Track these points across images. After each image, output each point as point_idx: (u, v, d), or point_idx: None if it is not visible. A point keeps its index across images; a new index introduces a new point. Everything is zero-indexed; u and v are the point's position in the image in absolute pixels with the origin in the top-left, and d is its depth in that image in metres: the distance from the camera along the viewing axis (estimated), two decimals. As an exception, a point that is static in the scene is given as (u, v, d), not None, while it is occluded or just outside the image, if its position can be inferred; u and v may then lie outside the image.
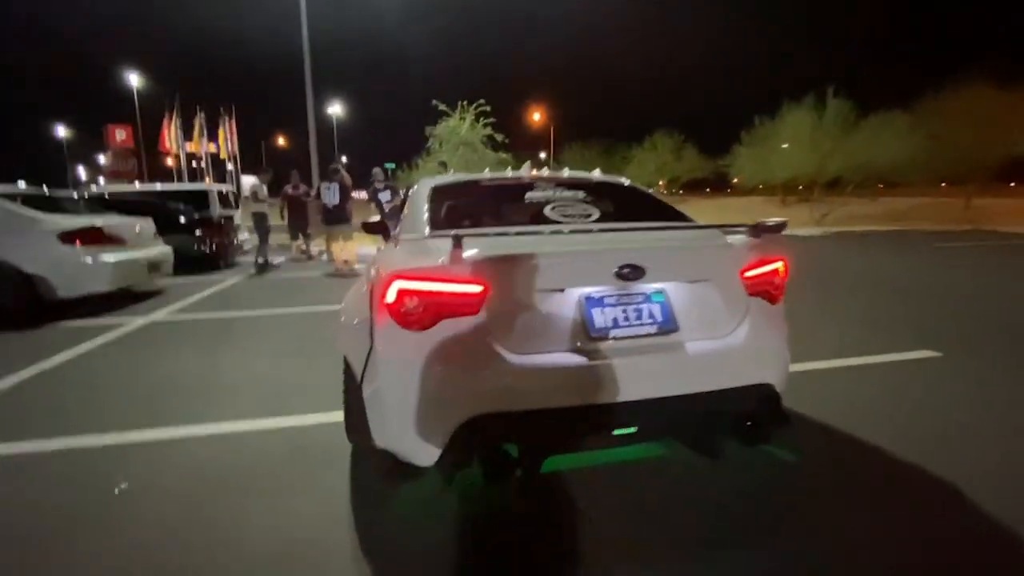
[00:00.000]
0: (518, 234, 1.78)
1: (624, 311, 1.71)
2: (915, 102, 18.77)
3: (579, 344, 1.69)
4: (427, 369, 1.63)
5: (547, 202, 2.41)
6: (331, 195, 8.03)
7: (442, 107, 14.09)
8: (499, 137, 13.65)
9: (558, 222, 2.15)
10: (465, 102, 14.03)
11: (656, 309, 1.74)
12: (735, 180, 33.03)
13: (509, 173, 2.89)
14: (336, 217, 8.04)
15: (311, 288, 6.71)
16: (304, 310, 5.25)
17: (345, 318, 2.06)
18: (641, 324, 1.71)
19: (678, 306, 1.77)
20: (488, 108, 13.83)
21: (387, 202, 10.05)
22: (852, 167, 18.64)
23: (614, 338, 1.67)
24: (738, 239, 1.90)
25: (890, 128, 18.59)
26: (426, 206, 2.33)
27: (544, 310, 1.67)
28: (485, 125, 14.05)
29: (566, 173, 3.02)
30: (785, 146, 20.95)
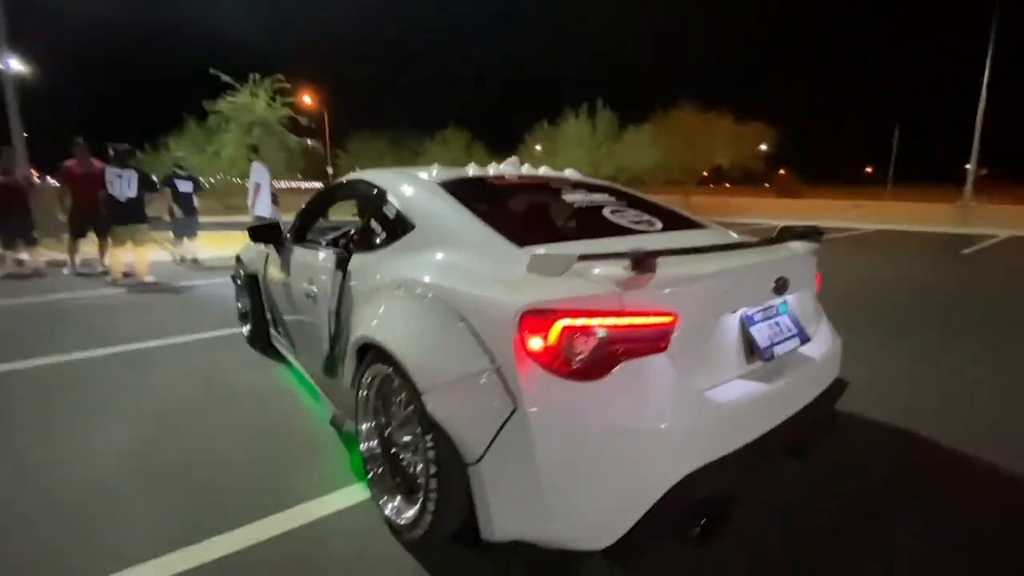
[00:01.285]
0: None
1: (770, 326, 1.67)
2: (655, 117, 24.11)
3: (750, 367, 1.58)
4: (614, 427, 1.31)
5: (597, 206, 2.20)
6: (124, 185, 6.18)
7: (225, 79, 11.57)
8: (303, 120, 11.92)
9: (632, 231, 1.97)
10: (258, 75, 11.82)
11: (787, 321, 1.74)
12: None
13: (509, 169, 2.50)
14: (132, 214, 6.29)
15: (81, 315, 4.85)
16: (84, 356, 3.74)
17: (428, 375, 1.49)
18: (787, 338, 1.69)
19: (798, 315, 1.80)
20: (288, 85, 11.95)
21: (187, 194, 7.95)
22: (618, 169, 22.64)
23: (776, 356, 1.61)
24: (811, 246, 2.01)
25: (642, 137, 23.18)
26: (466, 211, 1.87)
27: (718, 334, 1.51)
28: (285, 104, 12.10)
29: (544, 170, 2.79)
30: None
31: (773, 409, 1.57)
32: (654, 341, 1.36)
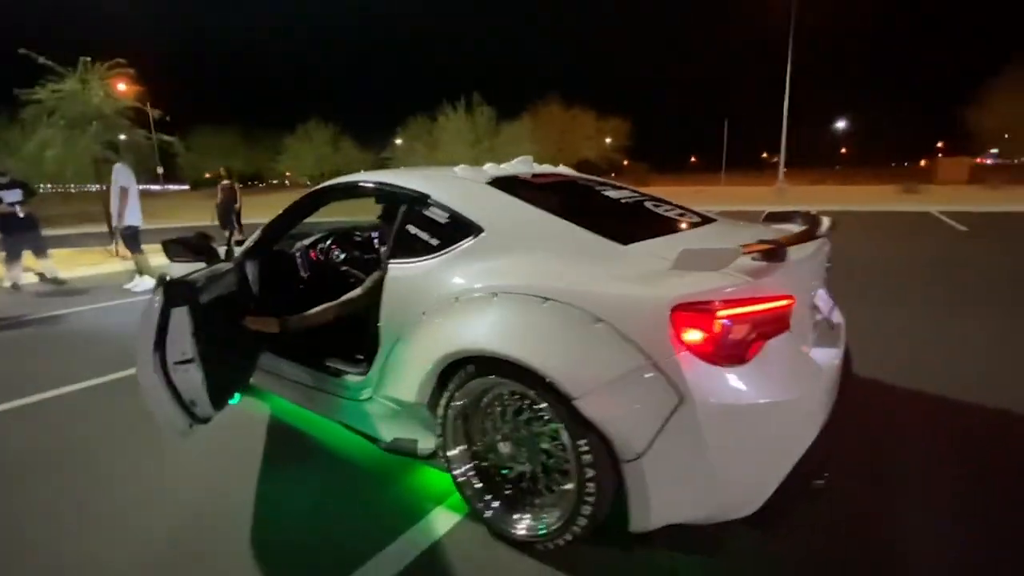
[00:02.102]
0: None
1: (822, 299, 1.94)
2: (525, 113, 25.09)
3: (827, 337, 1.83)
4: (762, 403, 1.46)
5: (640, 202, 2.31)
6: (14, 195, 6.00)
7: (43, 61, 9.26)
8: (155, 113, 10.03)
9: (692, 225, 2.12)
10: (89, 59, 9.66)
11: (824, 294, 2.04)
12: None
13: (523, 167, 2.49)
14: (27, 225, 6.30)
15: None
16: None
17: (577, 380, 1.48)
18: (832, 308, 1.98)
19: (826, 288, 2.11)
20: (132, 71, 9.93)
21: (13, 204, 6.40)
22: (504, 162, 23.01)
23: (833, 323, 1.89)
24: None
25: (520, 132, 23.94)
26: (541, 211, 1.88)
27: (807, 309, 1.73)
28: (129, 93, 10.10)
29: (562, 168, 2.85)
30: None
31: (840, 368, 1.85)
32: (781, 322, 1.52)
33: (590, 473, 1.48)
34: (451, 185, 2.14)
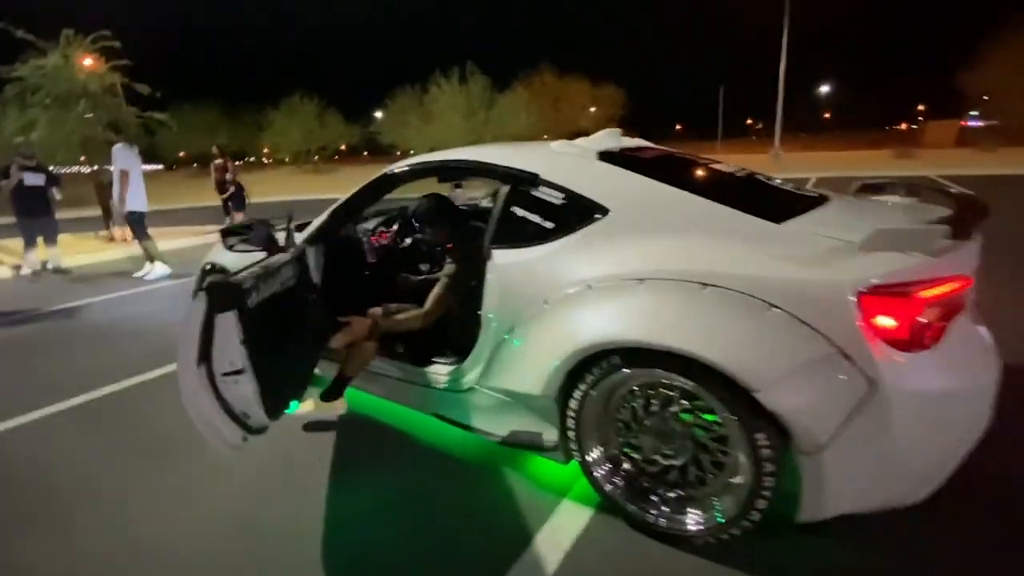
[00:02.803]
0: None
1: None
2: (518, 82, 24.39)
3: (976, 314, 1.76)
4: (950, 386, 1.40)
5: (752, 176, 2.20)
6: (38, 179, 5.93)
7: (22, 35, 8.61)
8: (144, 89, 9.45)
9: (818, 201, 2.00)
10: (72, 32, 9.01)
11: None
12: (401, 147, 33.20)
13: (610, 141, 2.31)
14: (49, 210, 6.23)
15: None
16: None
17: (756, 371, 1.38)
18: None
19: None
20: (117, 44, 9.29)
21: (33, 186, 6.09)
22: (496, 135, 22.59)
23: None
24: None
25: (516, 102, 23.33)
26: (673, 188, 1.77)
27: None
28: (115, 68, 9.49)
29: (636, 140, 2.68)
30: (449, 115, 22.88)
31: None
32: (960, 303, 1.45)
33: (769, 468, 1.42)
34: (562, 163, 2.00)
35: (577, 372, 1.70)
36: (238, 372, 1.55)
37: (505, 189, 2.04)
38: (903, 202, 2.10)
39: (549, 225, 1.89)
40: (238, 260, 2.97)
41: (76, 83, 9.02)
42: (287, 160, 30.25)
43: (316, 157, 31.35)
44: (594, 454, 1.77)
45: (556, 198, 1.90)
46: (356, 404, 2.69)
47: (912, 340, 1.34)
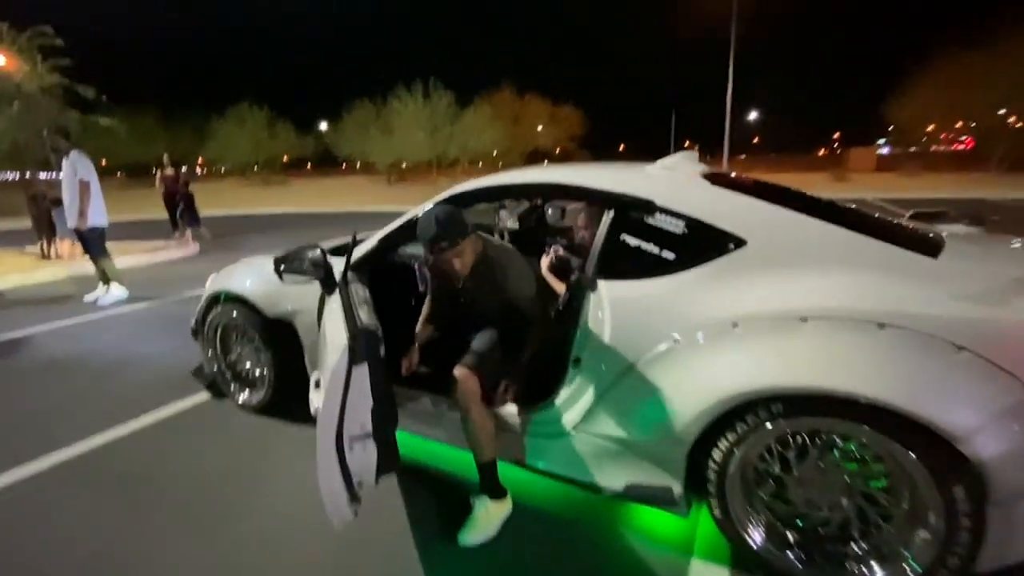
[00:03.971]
0: None
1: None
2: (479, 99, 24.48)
3: None
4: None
5: (849, 206, 2.15)
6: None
7: None
8: (89, 92, 8.52)
9: (917, 232, 1.97)
10: (5, 25, 8.02)
11: None
12: (348, 159, 32.18)
13: (688, 164, 2.19)
14: None
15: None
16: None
17: (956, 418, 1.28)
18: None
19: None
20: (59, 42, 8.34)
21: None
22: (461, 151, 22.46)
23: None
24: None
25: (480, 119, 23.29)
26: (811, 219, 1.67)
27: None
28: (55, 69, 8.52)
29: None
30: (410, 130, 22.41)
31: None
32: None
33: (966, 522, 1.31)
34: (682, 188, 1.86)
35: (724, 420, 1.54)
36: (367, 436, 1.28)
37: (610, 215, 1.88)
38: (985, 233, 2.10)
39: (669, 255, 1.74)
40: (254, 288, 2.63)
41: (9, 83, 8.07)
42: (225, 171, 28.59)
43: (259, 168, 29.81)
44: (746, 515, 1.61)
45: (676, 227, 1.75)
46: (410, 450, 2.41)
47: None
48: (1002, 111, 21.75)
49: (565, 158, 31.66)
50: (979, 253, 1.76)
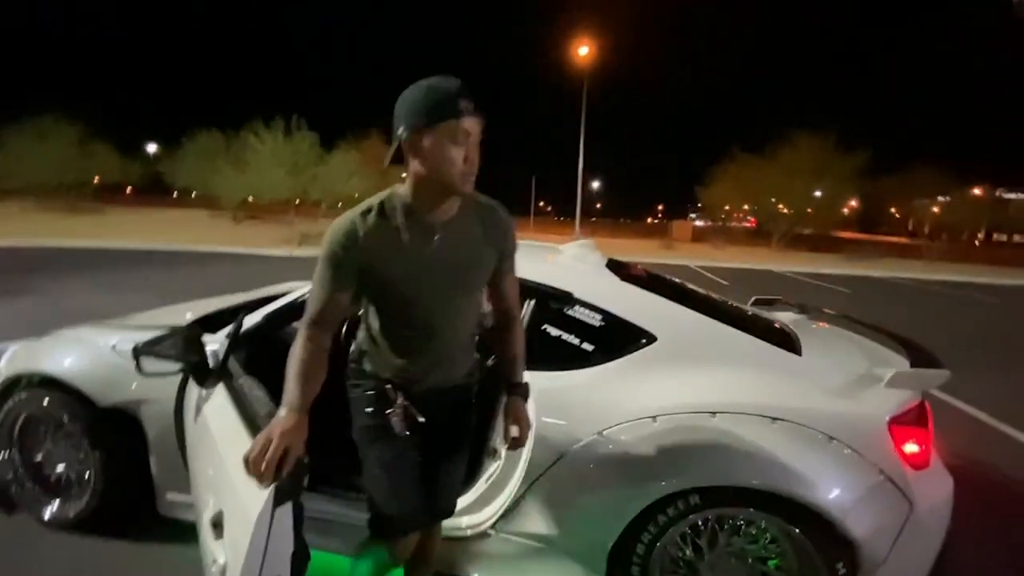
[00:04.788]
0: None
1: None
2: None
3: None
4: (947, 498, 1.69)
5: (717, 299, 2.42)
6: None
7: None
8: None
9: (780, 324, 2.30)
10: None
11: None
12: (183, 190, 27.99)
13: (589, 253, 2.32)
14: None
15: None
16: None
17: (838, 501, 1.50)
18: None
19: None
20: None
21: None
22: (324, 193, 21.15)
23: None
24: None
25: (349, 163, 22.40)
26: (704, 316, 1.91)
27: None
28: None
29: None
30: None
31: None
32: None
33: None
34: (596, 281, 1.96)
35: (646, 513, 1.60)
36: None
37: (531, 305, 1.90)
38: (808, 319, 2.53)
39: (588, 347, 1.81)
40: (79, 369, 2.09)
41: None
42: (8, 191, 23.02)
43: (68, 191, 24.65)
44: None
45: (594, 320, 1.84)
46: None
47: (924, 459, 1.63)
48: (773, 199, 28.10)
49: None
50: (829, 349, 2.11)
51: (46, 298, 6.76)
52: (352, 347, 1.42)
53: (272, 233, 18.75)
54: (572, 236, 26.22)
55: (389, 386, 1.31)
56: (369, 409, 1.32)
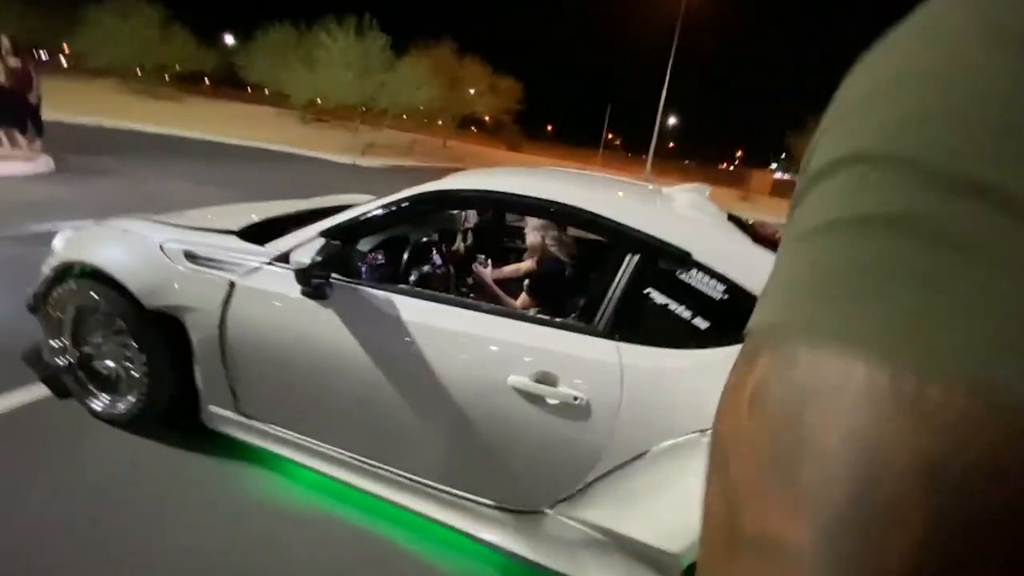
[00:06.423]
0: None
1: None
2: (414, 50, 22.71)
3: None
4: None
5: None
6: None
7: None
8: None
9: None
10: None
11: None
12: (255, 85, 28.26)
13: (701, 196, 1.93)
14: None
15: None
16: None
17: None
18: None
19: None
20: None
21: None
22: (391, 103, 20.59)
23: None
24: None
25: (419, 72, 21.53)
26: None
27: None
28: None
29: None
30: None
31: None
32: None
33: None
34: (718, 240, 1.55)
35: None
36: None
37: (633, 261, 1.53)
38: None
39: (701, 324, 1.44)
40: (127, 267, 1.95)
41: None
42: (97, 70, 23.68)
43: (145, 75, 25.20)
44: None
45: (714, 290, 1.46)
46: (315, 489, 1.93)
47: None
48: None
49: (497, 129, 30.85)
50: None
51: (124, 180, 6.95)
52: None
53: (338, 139, 18.67)
54: (643, 175, 24.81)
55: None
56: None
